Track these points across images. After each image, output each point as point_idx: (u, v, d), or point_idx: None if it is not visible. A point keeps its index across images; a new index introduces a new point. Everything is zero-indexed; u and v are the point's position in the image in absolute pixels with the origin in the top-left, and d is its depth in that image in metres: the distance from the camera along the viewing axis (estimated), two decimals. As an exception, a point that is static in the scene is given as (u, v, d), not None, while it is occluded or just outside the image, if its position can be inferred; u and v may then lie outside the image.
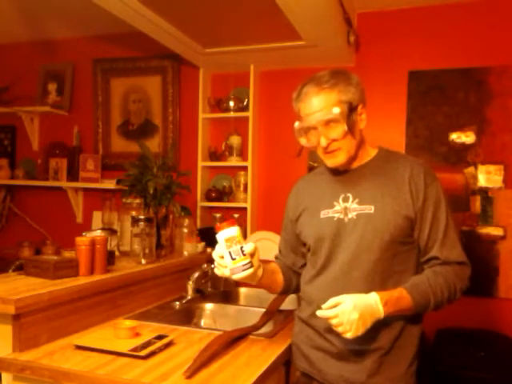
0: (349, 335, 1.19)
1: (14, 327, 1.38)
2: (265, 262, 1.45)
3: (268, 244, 2.64)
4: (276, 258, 1.66)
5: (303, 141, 1.41)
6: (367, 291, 1.25)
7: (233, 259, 1.29)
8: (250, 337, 1.61)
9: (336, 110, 1.31)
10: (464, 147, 2.56)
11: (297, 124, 1.40)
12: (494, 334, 2.40)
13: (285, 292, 1.62)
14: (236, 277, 1.30)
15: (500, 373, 2.03)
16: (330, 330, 1.28)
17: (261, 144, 2.95)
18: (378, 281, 1.32)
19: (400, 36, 2.68)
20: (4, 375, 1.40)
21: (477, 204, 2.53)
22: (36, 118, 3.42)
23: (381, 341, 1.32)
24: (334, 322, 1.20)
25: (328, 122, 1.33)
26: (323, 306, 1.23)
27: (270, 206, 2.91)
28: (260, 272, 1.37)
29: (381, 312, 1.22)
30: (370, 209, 1.35)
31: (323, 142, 1.34)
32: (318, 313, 1.23)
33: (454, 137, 2.58)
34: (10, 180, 3.34)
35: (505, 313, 2.48)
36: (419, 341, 1.39)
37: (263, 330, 1.68)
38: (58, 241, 2.97)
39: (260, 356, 1.44)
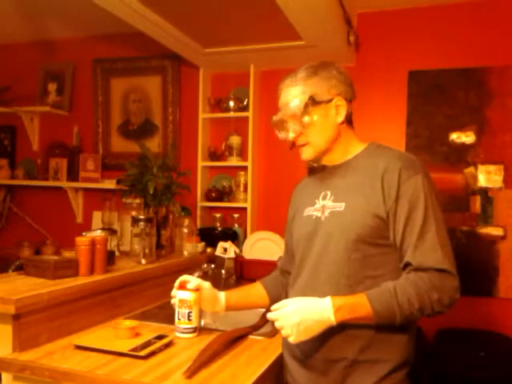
0: (291, 339, 1.14)
1: (14, 327, 1.37)
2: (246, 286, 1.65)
3: (268, 244, 2.64)
4: (277, 260, 1.69)
5: (280, 134, 1.36)
6: (334, 295, 1.15)
7: (178, 319, 1.51)
8: (250, 337, 1.61)
9: (294, 103, 1.28)
10: (464, 147, 2.56)
11: (272, 118, 1.37)
12: (494, 334, 2.40)
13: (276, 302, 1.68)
14: (177, 335, 1.51)
15: (500, 373, 2.03)
16: None
17: (261, 144, 2.95)
18: (344, 285, 1.21)
19: (400, 36, 2.68)
20: (4, 375, 1.40)
21: (477, 204, 2.53)
22: (36, 117, 3.42)
23: (345, 351, 1.21)
24: (276, 325, 1.17)
25: (293, 116, 1.29)
26: (272, 308, 1.20)
27: (269, 206, 2.92)
28: (221, 308, 1.51)
29: (331, 318, 1.12)
30: (340, 206, 1.26)
31: (290, 135, 1.32)
32: (268, 315, 1.21)
33: (454, 137, 2.58)
34: (10, 180, 3.34)
35: (505, 313, 2.48)
36: (403, 354, 1.23)
37: (263, 330, 1.67)
38: (57, 241, 2.97)
39: (260, 356, 1.44)
